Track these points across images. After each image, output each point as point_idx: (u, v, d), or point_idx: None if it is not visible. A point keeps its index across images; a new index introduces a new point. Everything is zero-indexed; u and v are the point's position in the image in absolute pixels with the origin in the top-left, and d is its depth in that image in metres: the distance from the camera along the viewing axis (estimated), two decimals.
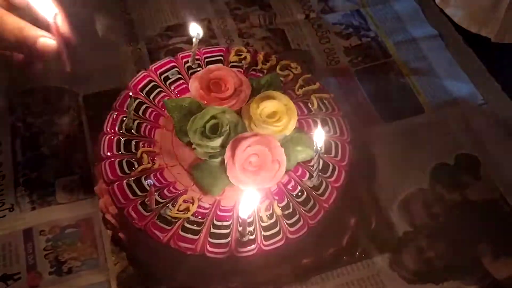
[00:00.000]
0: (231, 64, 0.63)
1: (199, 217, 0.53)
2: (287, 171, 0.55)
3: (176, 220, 0.52)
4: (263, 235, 0.52)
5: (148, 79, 0.62)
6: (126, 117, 0.58)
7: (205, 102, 0.58)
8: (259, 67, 0.63)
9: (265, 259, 0.53)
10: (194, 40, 0.61)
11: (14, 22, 0.51)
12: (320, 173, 0.55)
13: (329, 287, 0.57)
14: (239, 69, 0.63)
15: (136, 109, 0.59)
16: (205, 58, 0.64)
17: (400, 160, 0.66)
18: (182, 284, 0.55)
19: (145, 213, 0.53)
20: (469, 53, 0.76)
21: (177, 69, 0.63)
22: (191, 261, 0.52)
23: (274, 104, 0.57)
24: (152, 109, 0.60)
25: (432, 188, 0.64)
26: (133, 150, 0.57)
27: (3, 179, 0.63)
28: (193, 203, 0.53)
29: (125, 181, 0.54)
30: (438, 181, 0.64)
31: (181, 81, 0.62)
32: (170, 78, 0.62)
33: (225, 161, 0.54)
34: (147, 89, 0.61)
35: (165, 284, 0.56)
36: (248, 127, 0.57)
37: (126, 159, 0.56)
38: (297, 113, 0.57)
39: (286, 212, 0.53)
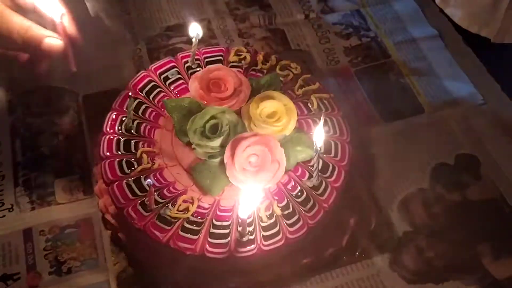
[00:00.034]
0: (231, 64, 0.63)
1: (199, 217, 0.53)
2: (286, 171, 0.55)
3: (175, 220, 0.52)
4: (262, 235, 0.52)
5: (147, 79, 0.62)
6: (125, 117, 0.58)
7: (205, 102, 0.58)
8: (259, 67, 0.63)
9: (265, 259, 0.53)
10: (193, 40, 0.61)
11: (20, 22, 0.51)
12: (319, 173, 0.55)
13: (328, 287, 0.57)
14: (239, 69, 0.63)
15: (136, 109, 0.59)
16: (205, 58, 0.64)
17: (400, 160, 0.66)
18: (182, 284, 0.55)
19: (145, 213, 0.53)
20: (469, 53, 0.76)
21: (176, 69, 0.63)
22: (191, 261, 0.52)
23: (274, 104, 0.57)
24: (151, 109, 0.60)
25: (432, 188, 0.64)
26: (133, 150, 0.57)
27: (2, 179, 0.63)
28: (192, 203, 0.53)
29: (124, 181, 0.54)
30: (438, 181, 0.64)
31: (181, 81, 0.62)
32: (170, 78, 0.62)
33: (225, 161, 0.54)
34: (146, 89, 0.61)
35: (164, 284, 0.56)
36: (248, 127, 0.57)
37: (125, 159, 0.56)
38: (297, 113, 0.57)
39: (286, 212, 0.53)
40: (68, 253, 0.58)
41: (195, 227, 0.52)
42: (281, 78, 0.62)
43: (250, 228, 0.52)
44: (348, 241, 0.59)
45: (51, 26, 0.53)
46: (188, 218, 0.53)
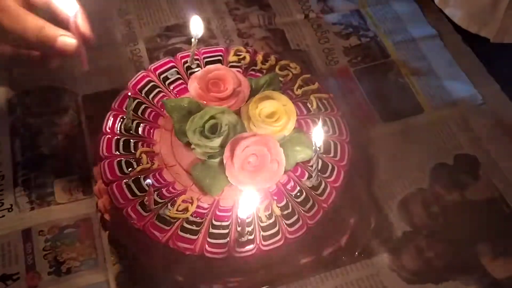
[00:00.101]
0: (230, 64, 0.63)
1: (198, 217, 0.53)
2: (286, 171, 0.55)
3: (175, 220, 0.52)
4: (262, 235, 0.52)
5: (147, 79, 0.62)
6: (125, 117, 0.58)
7: (204, 102, 0.58)
8: (258, 67, 0.63)
9: (264, 259, 0.53)
10: (193, 40, 0.61)
11: (34, 21, 0.51)
12: (319, 173, 0.55)
13: (328, 287, 0.57)
14: (238, 69, 0.63)
15: (135, 109, 0.59)
16: (204, 58, 0.64)
17: (399, 160, 0.66)
18: (181, 284, 0.55)
19: (144, 213, 0.53)
20: (468, 53, 0.76)
21: (176, 69, 0.63)
22: (190, 261, 0.52)
23: (273, 104, 0.57)
24: (151, 109, 0.60)
25: (431, 188, 0.64)
26: (132, 150, 0.57)
27: (2, 179, 0.63)
28: (192, 203, 0.53)
29: (124, 181, 0.54)
30: (438, 181, 0.64)
31: (180, 81, 0.62)
32: (169, 78, 0.62)
33: (224, 161, 0.54)
34: (146, 89, 0.61)
35: (164, 284, 0.56)
36: (247, 127, 0.57)
37: (125, 159, 0.56)
38: (296, 113, 0.57)
39: (285, 212, 0.53)
40: (67, 253, 0.58)
41: (194, 227, 0.52)
42: (281, 78, 0.62)
43: (250, 228, 0.52)
44: (347, 241, 0.59)
45: (64, 25, 0.53)
46: (187, 218, 0.53)
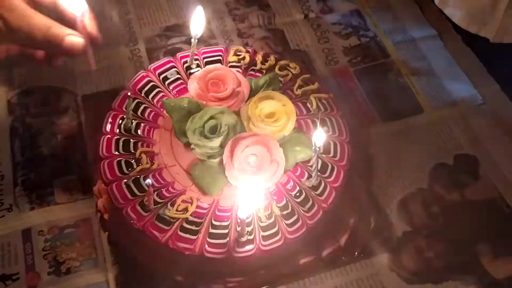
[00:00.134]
0: (230, 64, 0.63)
1: (198, 217, 0.53)
2: (286, 171, 0.55)
3: (174, 220, 0.52)
4: (261, 235, 0.52)
5: (147, 79, 0.62)
6: (125, 117, 0.58)
7: (204, 102, 0.58)
8: (258, 67, 0.63)
9: (264, 259, 0.53)
10: (193, 40, 0.61)
11: (41, 21, 0.51)
12: (319, 173, 0.55)
13: (327, 287, 0.57)
14: (238, 69, 0.63)
15: (135, 109, 0.59)
16: (204, 58, 0.64)
17: (399, 160, 0.65)
18: (181, 285, 0.55)
19: (144, 213, 0.53)
20: (468, 53, 0.76)
21: (176, 69, 0.63)
22: (190, 261, 0.52)
23: (273, 104, 0.57)
24: (151, 109, 0.60)
25: (431, 188, 0.64)
26: (132, 150, 0.57)
27: (2, 179, 0.63)
28: (191, 203, 0.53)
29: (123, 181, 0.54)
30: (437, 181, 0.64)
31: (180, 81, 0.62)
32: (169, 78, 0.62)
33: (224, 161, 0.54)
34: (146, 89, 0.61)
35: (163, 284, 0.56)
36: (247, 127, 0.57)
37: (124, 159, 0.56)
38: (296, 113, 0.57)
39: (285, 212, 0.53)
40: (67, 253, 0.58)
41: (194, 227, 0.52)
42: (280, 78, 0.62)
43: (249, 228, 0.52)
44: (347, 241, 0.59)
45: (71, 24, 0.53)
46: (187, 218, 0.53)
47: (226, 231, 0.52)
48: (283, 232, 0.52)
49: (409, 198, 0.63)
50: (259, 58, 0.64)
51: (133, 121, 0.58)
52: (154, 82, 0.62)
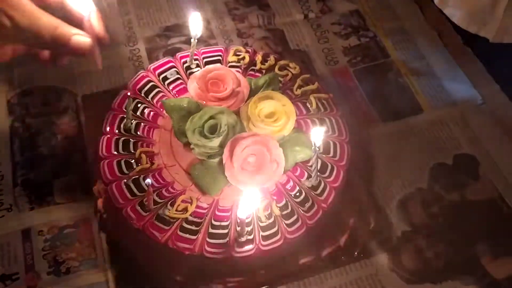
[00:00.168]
0: (230, 64, 0.63)
1: (198, 217, 0.53)
2: (285, 171, 0.55)
3: (174, 220, 0.52)
4: (261, 235, 0.52)
5: (146, 79, 0.62)
6: (124, 117, 0.58)
7: (204, 102, 0.58)
8: (257, 67, 0.63)
9: (263, 259, 0.53)
10: (192, 40, 0.61)
11: (49, 20, 0.51)
12: (318, 173, 0.55)
13: (327, 287, 0.57)
14: (238, 69, 0.63)
15: (135, 109, 0.59)
16: (204, 58, 0.64)
17: (398, 160, 0.66)
18: (180, 284, 0.55)
19: (144, 213, 0.53)
20: (468, 53, 0.76)
21: (175, 69, 0.63)
22: (189, 261, 0.52)
23: (273, 104, 0.57)
24: (150, 109, 0.60)
25: (430, 188, 0.64)
26: (132, 150, 0.57)
27: (1, 179, 0.63)
28: (191, 203, 0.53)
29: (123, 181, 0.54)
30: (437, 181, 0.64)
31: (180, 81, 0.62)
32: (169, 78, 0.62)
33: (223, 161, 0.54)
34: (145, 89, 0.61)
35: (163, 284, 0.56)
36: (247, 127, 0.57)
37: (124, 159, 0.56)
38: (296, 113, 0.57)
39: (285, 212, 0.53)
40: (66, 253, 0.58)
41: (193, 227, 0.52)
42: (280, 78, 0.62)
43: (249, 228, 0.52)
44: (346, 241, 0.59)
45: (78, 24, 0.54)
46: (186, 218, 0.53)
47: (225, 231, 0.52)
48: (282, 232, 0.52)
49: (409, 198, 0.63)
50: (258, 58, 0.64)
51: (132, 121, 0.58)
52: (154, 82, 0.62)
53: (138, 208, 0.53)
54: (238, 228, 0.51)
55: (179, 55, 0.64)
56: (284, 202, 0.54)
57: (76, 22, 0.53)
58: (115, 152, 0.56)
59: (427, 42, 0.77)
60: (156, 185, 0.54)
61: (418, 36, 0.78)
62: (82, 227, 0.60)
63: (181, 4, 0.80)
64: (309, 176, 0.55)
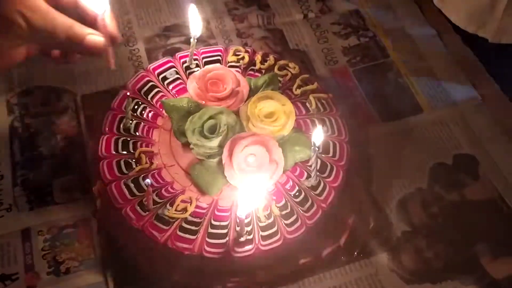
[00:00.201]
0: (229, 64, 0.63)
1: (197, 217, 0.53)
2: (285, 171, 0.55)
3: (173, 220, 0.52)
4: (260, 235, 0.52)
5: (146, 79, 0.62)
6: (124, 117, 0.58)
7: (203, 102, 0.58)
8: (257, 67, 0.63)
9: (263, 259, 0.53)
10: (192, 40, 0.61)
11: (63, 20, 0.51)
12: (318, 173, 0.55)
13: (327, 287, 0.57)
14: (237, 69, 0.63)
15: (134, 109, 0.59)
16: (203, 58, 0.64)
17: (398, 160, 0.66)
18: (180, 285, 0.55)
19: (143, 213, 0.53)
20: (467, 53, 0.76)
21: (175, 69, 0.63)
22: (189, 261, 0.52)
23: (272, 104, 0.57)
24: (150, 109, 0.60)
25: (430, 188, 0.64)
26: (131, 150, 0.57)
27: (1, 179, 0.63)
28: (190, 203, 0.53)
29: (123, 181, 0.54)
30: (437, 181, 0.64)
31: (179, 81, 0.62)
32: (168, 78, 0.62)
33: (223, 161, 0.54)
34: (145, 89, 0.61)
35: (162, 284, 0.56)
36: (246, 127, 0.57)
37: (124, 159, 0.56)
38: (295, 113, 0.57)
39: (284, 212, 0.53)
40: (66, 253, 0.58)
41: (193, 227, 0.52)
42: (280, 78, 0.62)
43: (248, 228, 0.52)
44: (346, 241, 0.59)
45: (92, 24, 0.54)
46: (186, 218, 0.53)
47: (225, 231, 0.52)
48: (282, 232, 0.52)
49: (409, 198, 0.63)
50: (258, 58, 0.64)
51: (132, 121, 0.58)
52: (154, 82, 0.62)
53: (138, 208, 0.53)
54: (238, 228, 0.51)
55: (178, 55, 0.64)
56: (283, 202, 0.54)
57: (89, 21, 0.54)
58: (115, 152, 0.56)
59: (427, 42, 0.77)
60: (155, 185, 0.54)
61: (418, 36, 0.78)
62: (81, 227, 0.60)
63: (180, 4, 0.80)
64: (309, 176, 0.55)
